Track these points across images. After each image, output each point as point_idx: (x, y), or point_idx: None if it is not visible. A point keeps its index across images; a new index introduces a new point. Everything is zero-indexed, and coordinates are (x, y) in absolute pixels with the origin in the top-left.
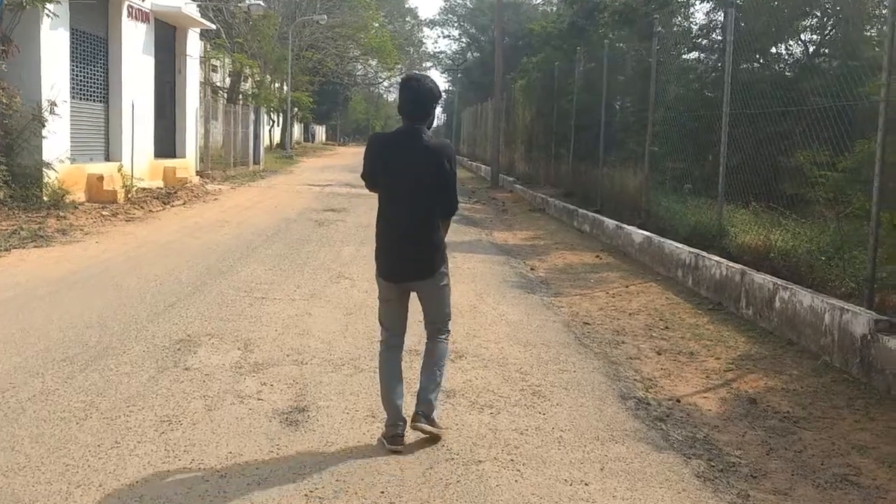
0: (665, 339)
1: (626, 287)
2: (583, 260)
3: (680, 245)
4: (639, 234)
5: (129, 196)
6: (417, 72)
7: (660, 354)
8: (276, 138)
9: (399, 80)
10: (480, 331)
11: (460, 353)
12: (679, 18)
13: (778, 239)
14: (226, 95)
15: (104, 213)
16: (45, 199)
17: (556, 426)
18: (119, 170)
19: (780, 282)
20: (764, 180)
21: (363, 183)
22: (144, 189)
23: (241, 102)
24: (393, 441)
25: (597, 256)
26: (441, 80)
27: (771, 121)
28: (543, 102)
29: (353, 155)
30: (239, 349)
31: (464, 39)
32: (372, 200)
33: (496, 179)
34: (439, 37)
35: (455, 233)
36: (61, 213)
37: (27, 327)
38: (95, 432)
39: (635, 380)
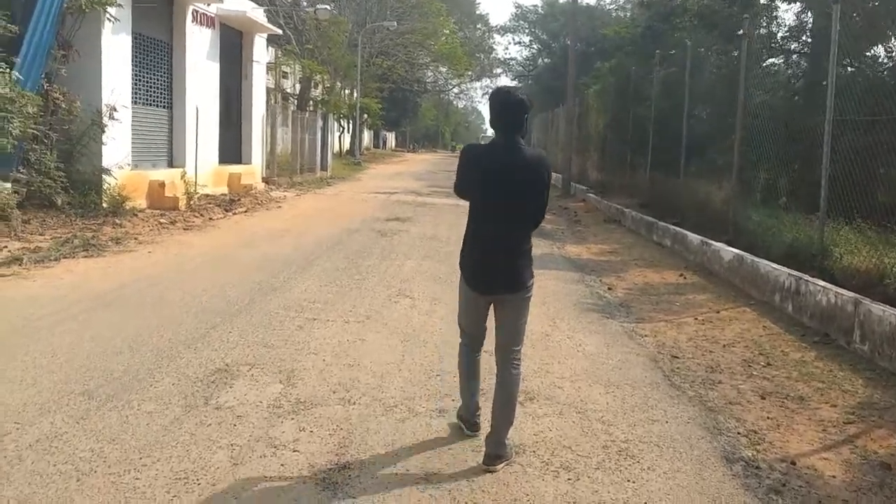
0: (768, 378)
1: (717, 312)
2: (665, 279)
3: (777, 266)
4: (728, 251)
5: (191, 203)
6: (507, 85)
7: (764, 399)
8: (346, 145)
9: (484, 90)
10: (554, 365)
11: (531, 394)
12: (765, 20)
13: (895, 263)
14: (295, 102)
15: (162, 220)
16: (104, 205)
17: (649, 499)
18: (182, 176)
19: None
20: (872, 195)
21: (428, 191)
22: (208, 196)
23: (310, 109)
24: (471, 427)
25: (681, 275)
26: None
27: (884, 129)
28: (618, 108)
29: (422, 161)
30: (280, 382)
31: (535, 45)
32: (436, 210)
33: (568, 188)
34: (510, 43)
35: None
36: (117, 221)
37: (54, 350)
38: (96, 493)
39: (739, 433)
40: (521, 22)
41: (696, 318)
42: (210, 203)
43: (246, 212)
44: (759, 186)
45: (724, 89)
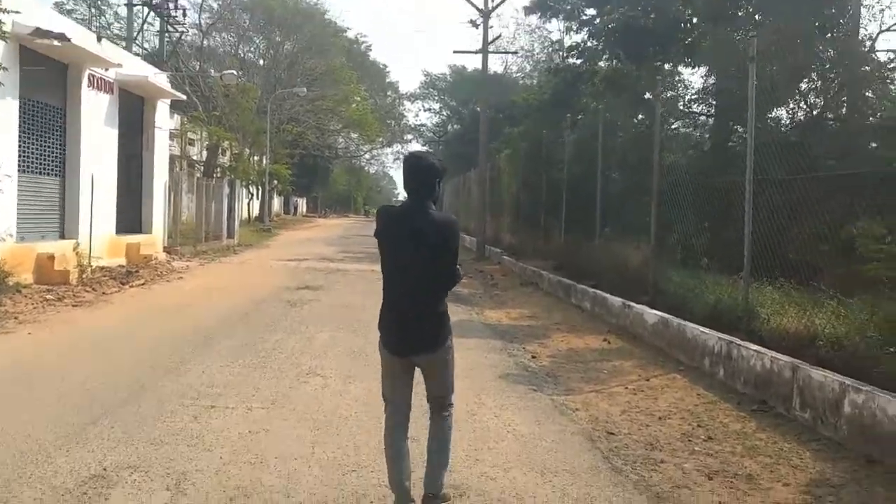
0: (711, 453)
1: (647, 380)
2: (589, 344)
3: (705, 330)
4: (652, 314)
5: (84, 276)
6: (419, 150)
7: (711, 479)
8: (256, 211)
9: (395, 155)
10: (484, 451)
11: (460, 488)
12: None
13: (826, 324)
14: (202, 169)
15: (49, 297)
16: None
17: None
18: (75, 248)
19: (848, 381)
20: (793, 253)
21: (341, 257)
22: (103, 268)
23: (217, 175)
24: None
25: (604, 340)
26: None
27: (802, 187)
28: (530, 172)
29: (334, 226)
30: (168, 489)
31: (444, 112)
32: (349, 277)
33: (482, 251)
34: (420, 110)
35: None
36: None
37: None
38: None
39: None
40: (431, 90)
41: (626, 388)
42: (105, 276)
43: (143, 284)
44: (678, 247)
45: (636, 151)
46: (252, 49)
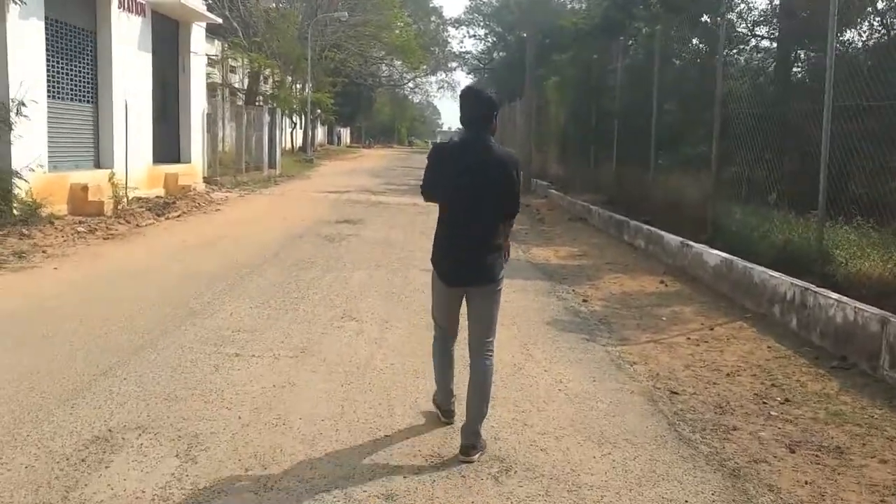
0: (790, 419)
1: (711, 329)
2: (644, 287)
3: (776, 274)
4: (713, 255)
5: (120, 207)
6: (475, 83)
7: (793, 452)
8: (299, 141)
9: (439, 84)
10: (533, 413)
11: (506, 461)
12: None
13: None
14: (244, 97)
15: (80, 229)
16: (14, 213)
17: None
18: (110, 178)
19: None
20: (876, 190)
21: (382, 189)
22: (140, 199)
23: (259, 104)
24: (446, 415)
25: (661, 282)
26: (467, 81)
27: (887, 115)
28: (580, 101)
29: (378, 157)
30: (177, 455)
31: (490, 38)
32: (390, 210)
33: (528, 184)
34: (465, 36)
35: None
36: (25, 231)
37: None
38: None
39: None
40: (476, 15)
41: (687, 338)
42: (142, 207)
43: (179, 216)
44: (741, 182)
45: (695, 78)
46: None
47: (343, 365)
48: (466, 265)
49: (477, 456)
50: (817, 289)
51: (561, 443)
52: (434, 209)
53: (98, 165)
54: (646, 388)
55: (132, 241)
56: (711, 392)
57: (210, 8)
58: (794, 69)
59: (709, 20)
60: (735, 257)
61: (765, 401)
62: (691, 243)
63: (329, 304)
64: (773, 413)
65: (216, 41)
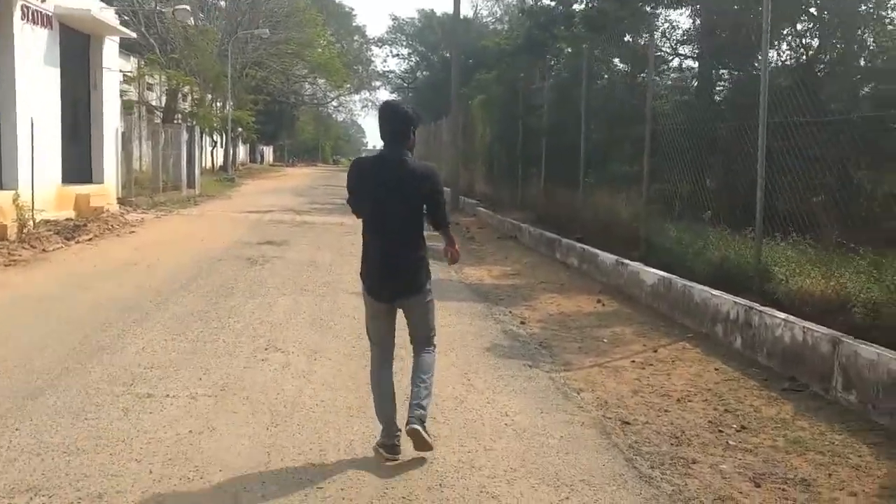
0: (749, 449)
1: (654, 351)
2: (581, 307)
3: (717, 293)
4: (651, 273)
5: (25, 231)
6: (393, 99)
7: (759, 486)
8: (221, 160)
9: (363, 102)
10: (480, 453)
11: None
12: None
13: (860, 286)
14: (162, 115)
15: None
16: None
17: None
18: (14, 199)
19: None
20: (811, 206)
21: (307, 208)
22: (49, 221)
23: (177, 122)
24: (391, 450)
25: (598, 301)
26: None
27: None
28: (506, 119)
29: (301, 176)
30: None
31: (413, 58)
32: (315, 230)
33: (456, 202)
34: (388, 56)
35: None
36: None
37: None
38: None
39: None
40: (399, 34)
41: (632, 361)
42: (50, 230)
43: (90, 239)
44: (673, 198)
45: (624, 95)
46: None
47: (269, 403)
48: (392, 279)
49: (422, 431)
50: (762, 308)
51: (514, 487)
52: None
53: (1, 187)
54: (596, 419)
55: (37, 268)
56: (664, 420)
57: (126, 24)
58: (719, 87)
59: (631, 40)
60: (673, 276)
61: (720, 429)
62: (627, 262)
63: (252, 334)
64: (731, 442)
65: (132, 58)
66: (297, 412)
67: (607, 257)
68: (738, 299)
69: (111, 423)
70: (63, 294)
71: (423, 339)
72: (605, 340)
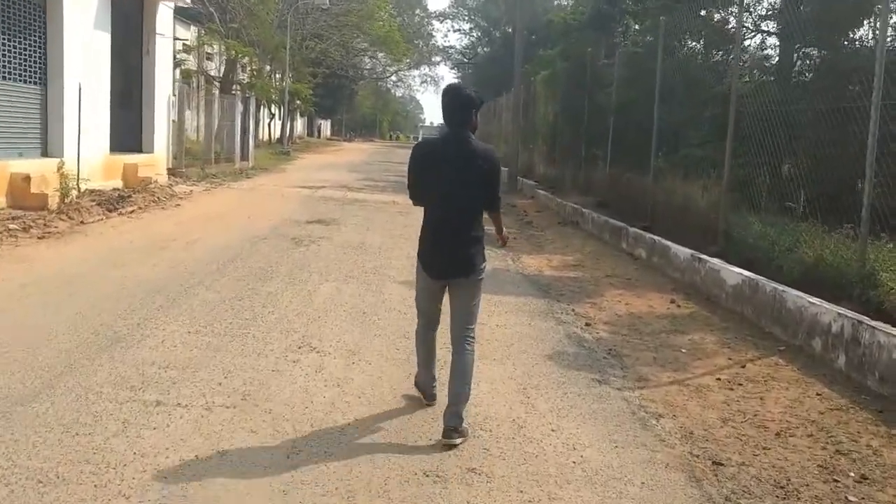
0: None
1: (742, 366)
2: (653, 307)
3: (816, 300)
4: (733, 273)
5: (67, 201)
6: (457, 82)
7: None
8: (278, 133)
9: (422, 77)
10: (543, 501)
11: None
12: None
13: None
14: (219, 85)
15: (12, 226)
16: None
17: None
18: (59, 168)
19: None
20: None
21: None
22: (94, 191)
23: (235, 92)
24: (429, 398)
25: (672, 301)
26: (450, 76)
27: None
28: (572, 96)
29: (359, 151)
30: None
31: (474, 33)
32: (367, 208)
33: (515, 183)
34: (449, 30)
35: None
36: None
37: None
38: None
39: None
40: (461, 9)
41: (717, 378)
42: (93, 201)
43: (133, 212)
44: (759, 188)
45: (704, 72)
46: None
47: (294, 420)
48: (449, 258)
49: (459, 441)
50: (874, 322)
51: None
52: (414, 209)
53: (46, 154)
54: (683, 458)
55: (70, 242)
56: (764, 462)
57: None
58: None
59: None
60: (760, 277)
61: (835, 477)
62: (704, 257)
63: (286, 328)
64: (850, 498)
65: (192, 27)
66: (325, 435)
67: (681, 251)
68: (841, 310)
69: (105, 442)
70: (90, 272)
71: (464, 326)
72: (684, 350)
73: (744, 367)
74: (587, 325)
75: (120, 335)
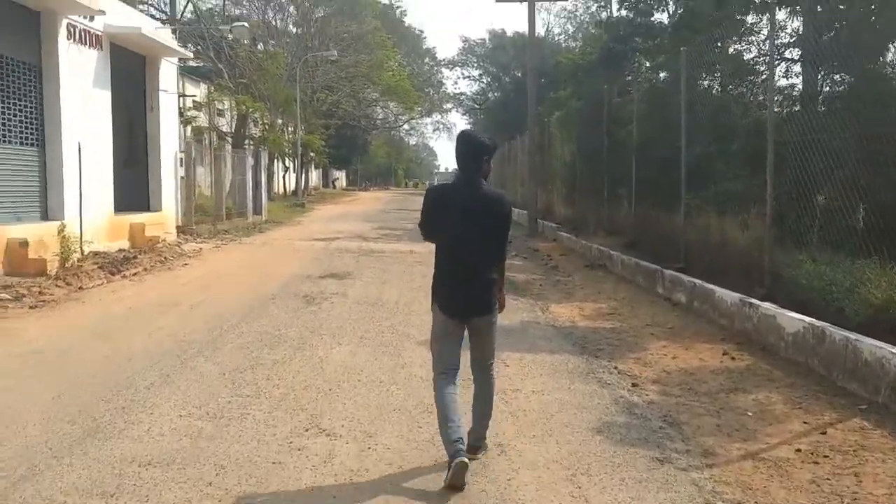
0: None
1: (823, 433)
2: (704, 360)
3: None
4: (792, 319)
5: (69, 265)
6: (469, 129)
7: None
8: (293, 185)
9: (434, 125)
10: None
11: None
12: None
13: None
14: (231, 140)
15: (3, 295)
16: None
17: None
18: (60, 231)
19: None
20: None
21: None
22: (98, 253)
23: (248, 146)
24: (458, 454)
25: (724, 353)
26: (462, 122)
27: None
28: (589, 135)
29: (375, 200)
30: None
31: (484, 79)
32: (384, 259)
33: (535, 226)
34: (459, 77)
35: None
36: None
37: None
38: None
39: None
40: (469, 56)
41: (797, 450)
42: (96, 264)
43: (136, 274)
44: (808, 223)
45: (733, 104)
46: (282, 17)
47: None
48: (466, 298)
49: (481, 454)
50: None
51: None
52: (432, 257)
53: (46, 217)
54: None
55: (65, 310)
56: None
57: (196, 52)
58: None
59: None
60: (825, 323)
61: None
62: (756, 302)
63: (292, 406)
64: None
65: (201, 84)
66: None
67: (727, 295)
68: None
69: None
70: (78, 346)
71: (485, 360)
72: (750, 414)
73: (824, 433)
74: (634, 385)
75: (99, 424)
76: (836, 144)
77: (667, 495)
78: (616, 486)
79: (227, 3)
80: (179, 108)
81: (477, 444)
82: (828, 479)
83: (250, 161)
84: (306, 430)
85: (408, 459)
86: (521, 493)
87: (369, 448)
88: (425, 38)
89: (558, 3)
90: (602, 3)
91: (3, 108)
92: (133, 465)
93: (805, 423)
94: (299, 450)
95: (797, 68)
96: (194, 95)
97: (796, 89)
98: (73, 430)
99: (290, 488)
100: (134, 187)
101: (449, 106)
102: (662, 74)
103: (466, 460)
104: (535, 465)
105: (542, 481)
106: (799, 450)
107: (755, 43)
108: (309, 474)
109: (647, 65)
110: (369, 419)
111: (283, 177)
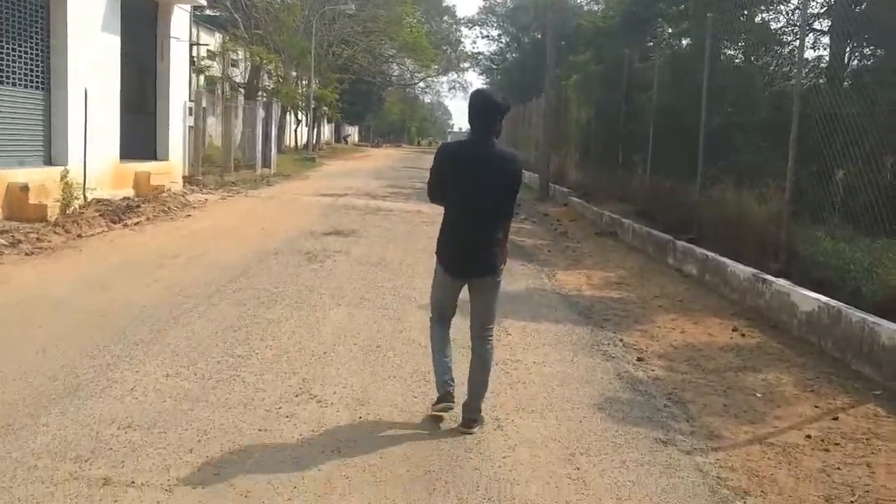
0: None
1: (834, 419)
2: (713, 336)
3: None
4: (807, 297)
5: (70, 211)
6: (484, 87)
7: None
8: (305, 139)
9: (450, 84)
10: None
11: None
12: None
13: None
14: (244, 91)
15: (0, 240)
16: None
17: None
18: (63, 177)
19: None
20: None
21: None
22: (102, 201)
23: (260, 98)
24: (447, 398)
25: (734, 329)
26: (479, 82)
27: None
28: (607, 100)
29: (384, 157)
30: None
31: (503, 39)
32: (390, 218)
33: (546, 190)
34: (478, 37)
35: (504, 273)
36: None
37: None
38: None
39: None
40: (490, 15)
41: (806, 435)
42: (98, 211)
43: (138, 223)
44: (834, 199)
45: (759, 71)
46: None
47: None
48: (470, 258)
49: (476, 428)
50: None
51: None
52: (440, 218)
53: (50, 162)
54: None
55: (61, 258)
56: None
57: (212, 2)
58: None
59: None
60: (840, 304)
61: None
62: (769, 278)
63: (284, 369)
64: None
65: (216, 33)
66: None
67: (740, 269)
68: None
69: None
70: (71, 296)
71: (484, 325)
72: (759, 395)
73: (836, 418)
74: (639, 359)
75: (82, 381)
76: (864, 120)
77: (669, 480)
78: (616, 468)
79: None
80: (192, 57)
81: (472, 417)
82: (838, 468)
83: (261, 113)
84: (296, 396)
85: (401, 430)
86: (516, 473)
87: (360, 418)
88: None
89: None
90: None
91: (7, 48)
92: (112, 426)
93: (816, 406)
94: (287, 417)
95: (825, 40)
96: (208, 45)
97: (823, 61)
98: (53, 388)
99: (272, 459)
100: (142, 135)
101: (466, 65)
102: (685, 41)
103: (468, 431)
104: (533, 443)
105: (538, 460)
106: (809, 436)
107: (784, 12)
108: (294, 445)
109: (670, 31)
110: (362, 385)
111: (295, 130)
